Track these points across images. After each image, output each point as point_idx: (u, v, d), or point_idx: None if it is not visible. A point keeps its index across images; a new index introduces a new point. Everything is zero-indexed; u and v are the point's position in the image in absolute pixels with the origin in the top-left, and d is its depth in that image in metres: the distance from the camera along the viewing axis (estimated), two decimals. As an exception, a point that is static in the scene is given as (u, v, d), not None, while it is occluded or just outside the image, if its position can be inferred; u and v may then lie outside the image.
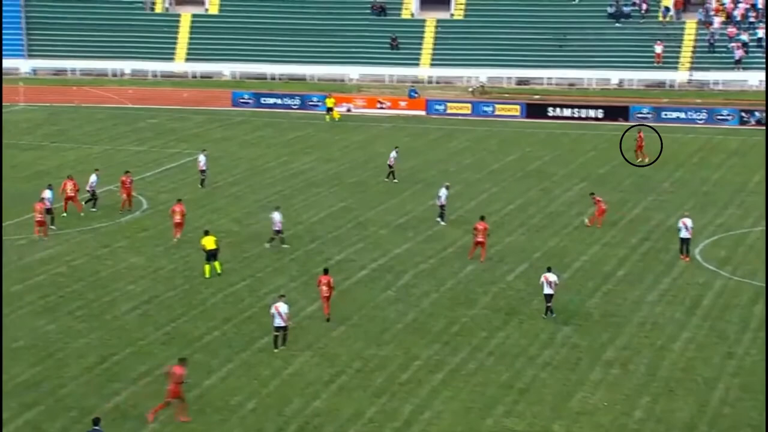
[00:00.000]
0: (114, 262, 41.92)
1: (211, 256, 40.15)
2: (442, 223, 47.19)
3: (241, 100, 78.62)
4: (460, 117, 75.49)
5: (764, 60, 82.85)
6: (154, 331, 35.15)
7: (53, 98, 78.78)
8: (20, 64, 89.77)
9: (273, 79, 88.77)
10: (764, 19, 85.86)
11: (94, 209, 48.75)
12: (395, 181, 55.18)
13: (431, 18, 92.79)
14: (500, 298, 38.90)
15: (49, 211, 45.32)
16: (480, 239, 42.16)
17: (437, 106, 76.98)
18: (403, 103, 77.80)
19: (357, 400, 30.58)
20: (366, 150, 64.51)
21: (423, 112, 76.51)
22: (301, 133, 69.48)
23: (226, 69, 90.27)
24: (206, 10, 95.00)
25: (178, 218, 44.30)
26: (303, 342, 34.35)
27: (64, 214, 47.57)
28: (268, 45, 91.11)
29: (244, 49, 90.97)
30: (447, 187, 48.25)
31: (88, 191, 49.00)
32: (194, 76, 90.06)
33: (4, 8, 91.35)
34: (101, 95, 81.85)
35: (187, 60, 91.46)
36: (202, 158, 54.07)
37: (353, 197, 52.87)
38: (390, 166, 55.72)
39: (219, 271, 40.30)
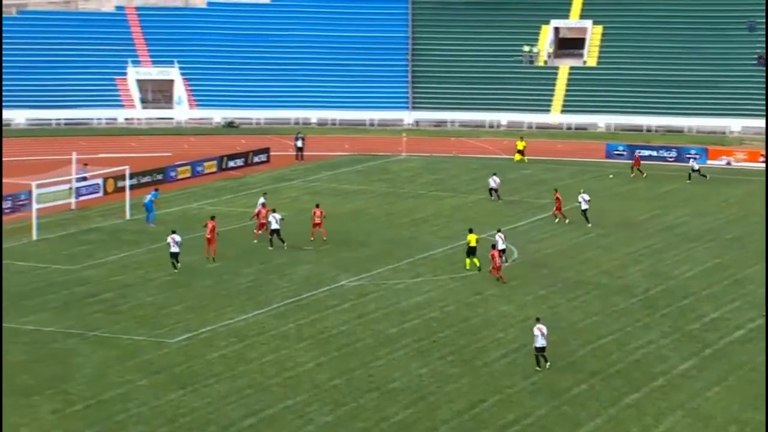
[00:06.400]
0: (484, 310, 42.75)
1: (471, 251, 47.22)
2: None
3: (615, 152, 78.04)
4: None
5: None
6: (522, 380, 35.41)
7: (432, 148, 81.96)
8: (404, 116, 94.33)
9: (649, 131, 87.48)
10: None
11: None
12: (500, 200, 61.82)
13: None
14: None
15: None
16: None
17: (826, 160, 72.61)
18: (787, 157, 74.19)
19: (730, 467, 29.23)
20: (745, 205, 61.89)
21: (811, 166, 72.44)
22: (675, 185, 67.83)
23: (601, 121, 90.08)
24: (584, 62, 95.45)
25: (208, 235, 48.21)
26: (675, 400, 33.34)
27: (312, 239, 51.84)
28: (645, 97, 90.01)
29: (621, 100, 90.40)
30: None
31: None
32: (569, 128, 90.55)
33: (399, 65, 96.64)
34: (477, 146, 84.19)
35: (563, 112, 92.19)
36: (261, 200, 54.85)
37: (730, 254, 50.84)
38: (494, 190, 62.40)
39: (477, 265, 46.90)
